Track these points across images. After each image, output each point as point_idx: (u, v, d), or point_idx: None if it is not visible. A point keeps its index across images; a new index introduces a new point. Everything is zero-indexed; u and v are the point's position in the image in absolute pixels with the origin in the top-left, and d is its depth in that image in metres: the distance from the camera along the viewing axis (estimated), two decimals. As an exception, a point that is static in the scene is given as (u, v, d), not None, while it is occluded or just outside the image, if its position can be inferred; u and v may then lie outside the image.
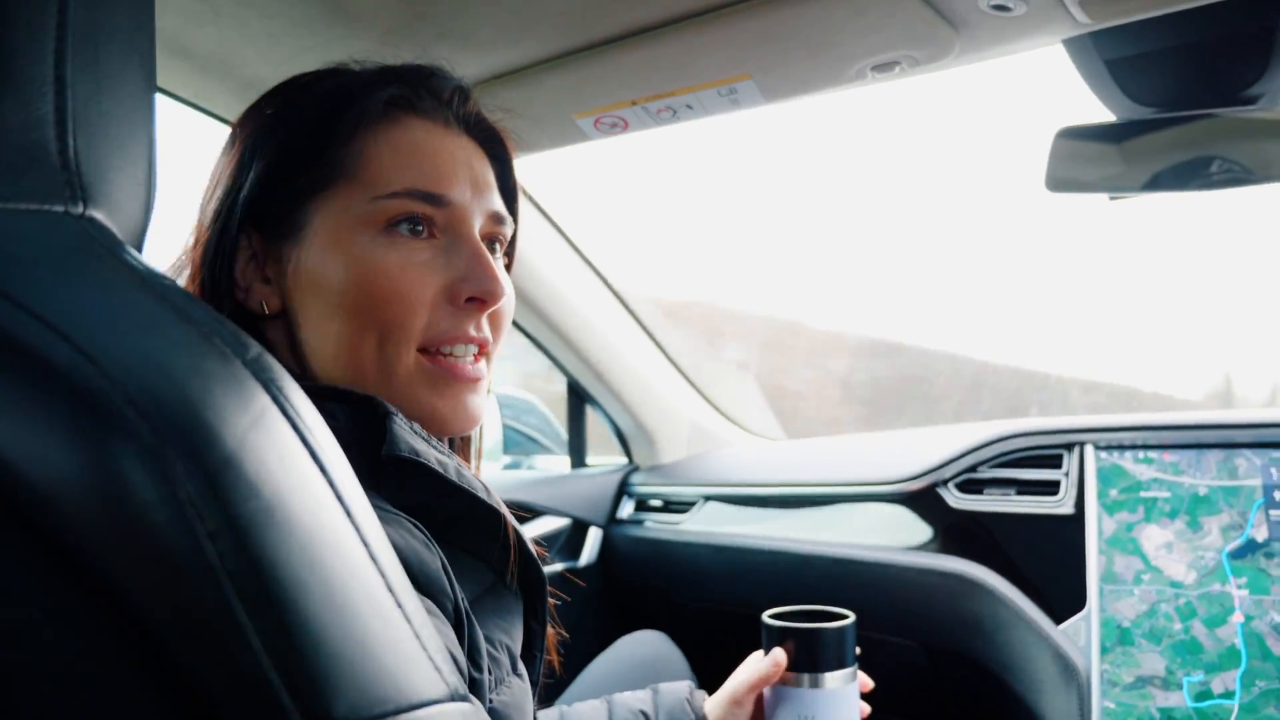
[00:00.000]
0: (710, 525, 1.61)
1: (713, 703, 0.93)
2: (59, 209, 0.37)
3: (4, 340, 0.30)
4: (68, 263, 0.34)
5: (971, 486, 1.31)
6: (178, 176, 0.70)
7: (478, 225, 0.70)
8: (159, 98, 0.48)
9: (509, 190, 0.79)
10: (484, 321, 0.70)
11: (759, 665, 0.89)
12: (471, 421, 0.70)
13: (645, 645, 1.47)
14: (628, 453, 1.85)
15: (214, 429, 0.31)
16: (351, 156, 0.67)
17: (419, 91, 0.71)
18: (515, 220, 0.78)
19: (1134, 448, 1.16)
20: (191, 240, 0.70)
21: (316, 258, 0.66)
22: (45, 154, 0.36)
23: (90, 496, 0.29)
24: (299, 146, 0.68)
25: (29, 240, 0.34)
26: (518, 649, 0.67)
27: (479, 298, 0.67)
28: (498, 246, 0.74)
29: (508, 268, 0.80)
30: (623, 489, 1.80)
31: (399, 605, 0.35)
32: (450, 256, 0.68)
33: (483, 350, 0.71)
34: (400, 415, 0.62)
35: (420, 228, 0.67)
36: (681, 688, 0.96)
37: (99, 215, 0.38)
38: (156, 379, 0.31)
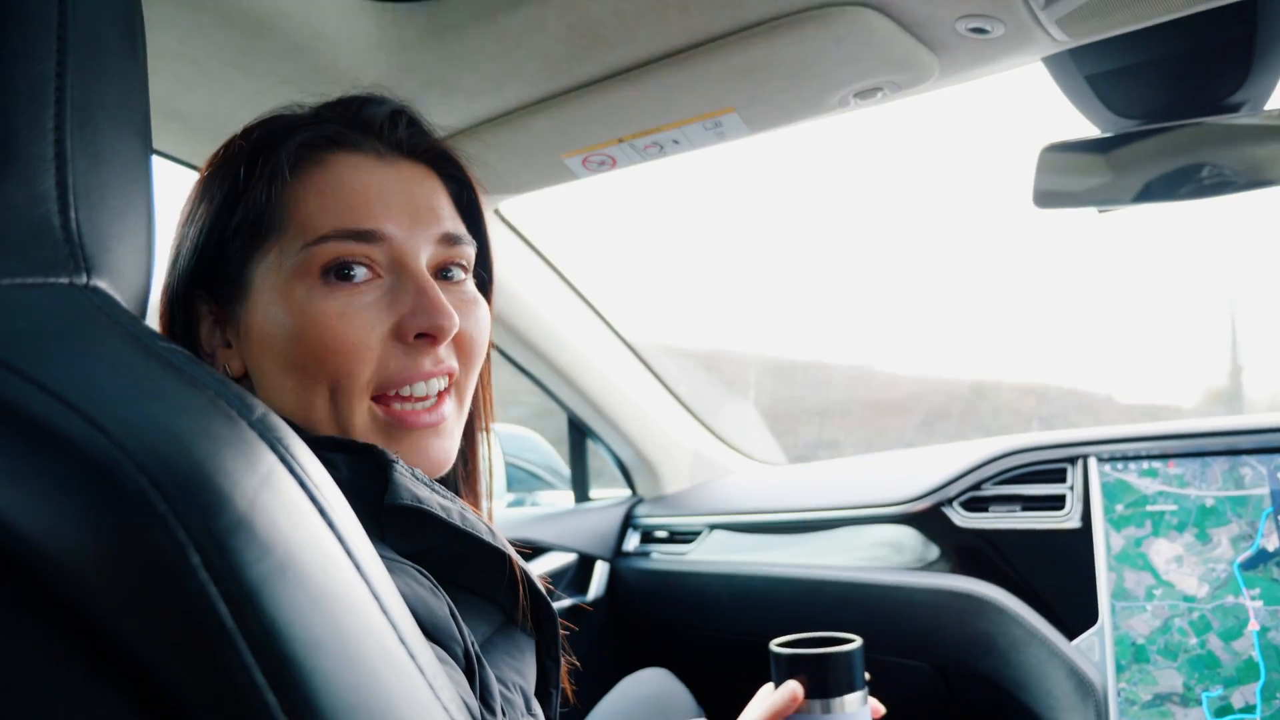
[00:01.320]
0: (717, 554, 1.60)
1: None
2: (64, 281, 0.37)
3: (16, 414, 0.31)
4: (74, 334, 0.35)
5: (976, 504, 1.31)
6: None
7: (424, 255, 0.66)
8: (155, 159, 0.49)
9: (468, 206, 0.75)
10: (444, 352, 0.66)
11: (774, 699, 0.87)
12: (435, 467, 0.67)
13: (651, 683, 1.46)
14: (631, 485, 1.85)
15: (224, 492, 0.31)
16: (279, 207, 0.64)
17: (345, 127, 0.68)
18: (481, 236, 0.75)
19: (1137, 458, 1.16)
20: (158, 310, 0.70)
21: (261, 316, 0.64)
22: (49, 228, 0.37)
23: (105, 564, 0.29)
24: (230, 204, 0.65)
25: (36, 314, 0.35)
26: (531, 688, 0.66)
27: (428, 333, 0.64)
28: (459, 271, 0.70)
29: (483, 287, 0.76)
30: (627, 521, 1.80)
31: (412, 657, 0.35)
32: (395, 294, 0.64)
33: (450, 383, 0.68)
34: (401, 462, 0.62)
35: (359, 269, 0.64)
36: None
37: (102, 284, 0.38)
38: (166, 446, 0.31)
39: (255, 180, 0.65)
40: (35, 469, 0.30)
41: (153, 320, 0.70)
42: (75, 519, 0.30)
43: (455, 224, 0.70)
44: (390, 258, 0.65)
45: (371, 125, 0.69)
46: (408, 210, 0.66)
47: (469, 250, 0.71)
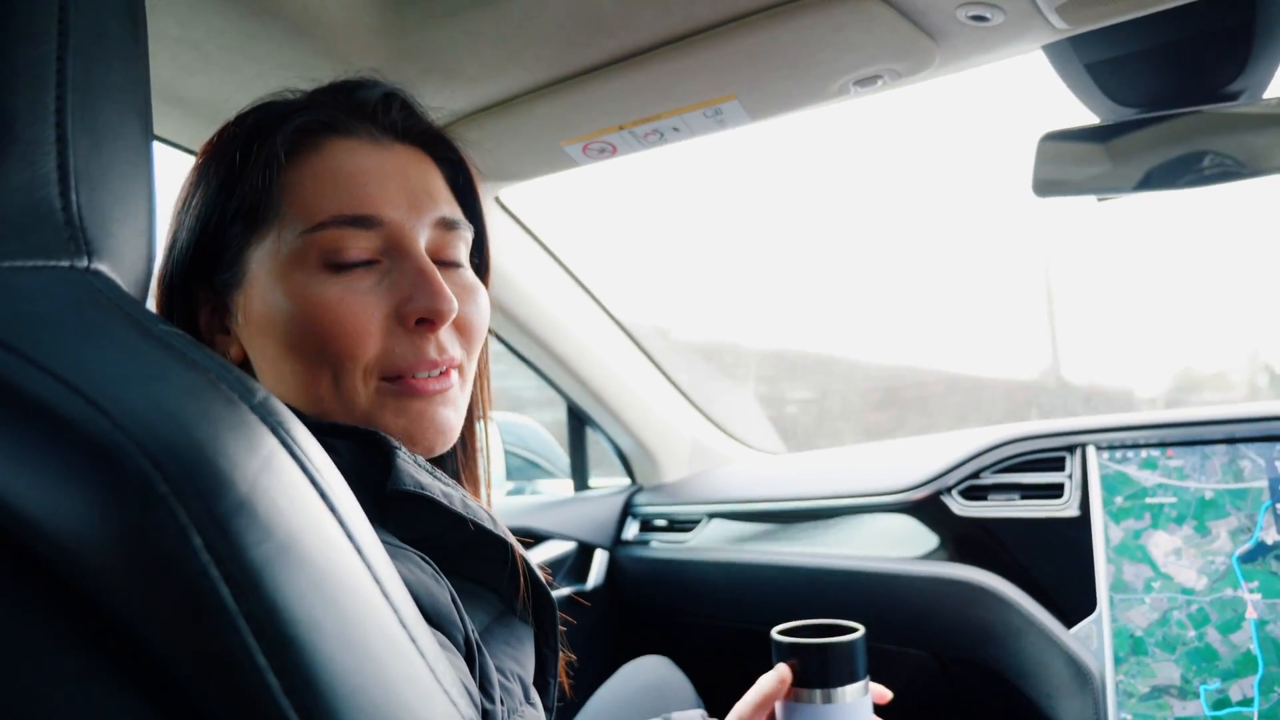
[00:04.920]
0: (716, 543, 1.61)
1: None
2: (65, 263, 0.37)
3: (17, 396, 0.31)
4: (75, 317, 0.35)
5: (975, 493, 1.31)
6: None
7: (423, 239, 0.66)
8: (156, 145, 0.49)
9: (464, 190, 0.74)
10: (447, 339, 0.66)
11: (762, 684, 0.87)
12: (440, 435, 0.66)
13: (650, 671, 1.46)
14: (630, 473, 1.85)
15: (226, 475, 0.31)
16: (276, 193, 0.64)
17: (339, 111, 0.68)
18: (478, 220, 0.74)
19: (1135, 447, 1.16)
20: (155, 297, 0.69)
21: (260, 302, 0.64)
22: (50, 211, 0.37)
23: (106, 545, 0.30)
24: (226, 191, 0.65)
25: (37, 297, 0.35)
26: (529, 677, 0.67)
27: (427, 317, 0.64)
28: (457, 255, 0.70)
29: (479, 270, 0.76)
30: (627, 510, 1.80)
31: (412, 640, 0.36)
32: (394, 279, 0.64)
33: (453, 368, 0.68)
34: (404, 449, 0.62)
35: (357, 254, 0.64)
36: (694, 716, 0.95)
37: (103, 267, 0.39)
38: (167, 427, 0.31)
39: (251, 166, 0.64)
40: (36, 451, 0.30)
41: (151, 305, 0.70)
42: (77, 501, 0.30)
43: (452, 208, 0.70)
44: (388, 242, 0.65)
45: (365, 109, 0.69)
46: (405, 194, 0.66)
47: (466, 234, 0.71)
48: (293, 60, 0.94)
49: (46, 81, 0.38)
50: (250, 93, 0.99)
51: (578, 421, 1.84)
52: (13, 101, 0.37)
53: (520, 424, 2.14)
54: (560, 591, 1.62)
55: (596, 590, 1.69)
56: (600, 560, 1.73)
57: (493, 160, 1.17)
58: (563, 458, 1.97)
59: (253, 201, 0.64)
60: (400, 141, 0.70)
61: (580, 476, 1.88)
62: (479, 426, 0.80)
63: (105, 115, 0.41)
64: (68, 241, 0.37)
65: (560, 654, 0.73)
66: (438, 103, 0.98)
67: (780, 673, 0.86)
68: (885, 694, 0.93)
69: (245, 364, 0.68)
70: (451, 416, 0.68)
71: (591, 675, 1.45)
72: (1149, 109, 0.99)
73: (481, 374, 0.78)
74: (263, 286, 0.64)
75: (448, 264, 0.69)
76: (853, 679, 0.86)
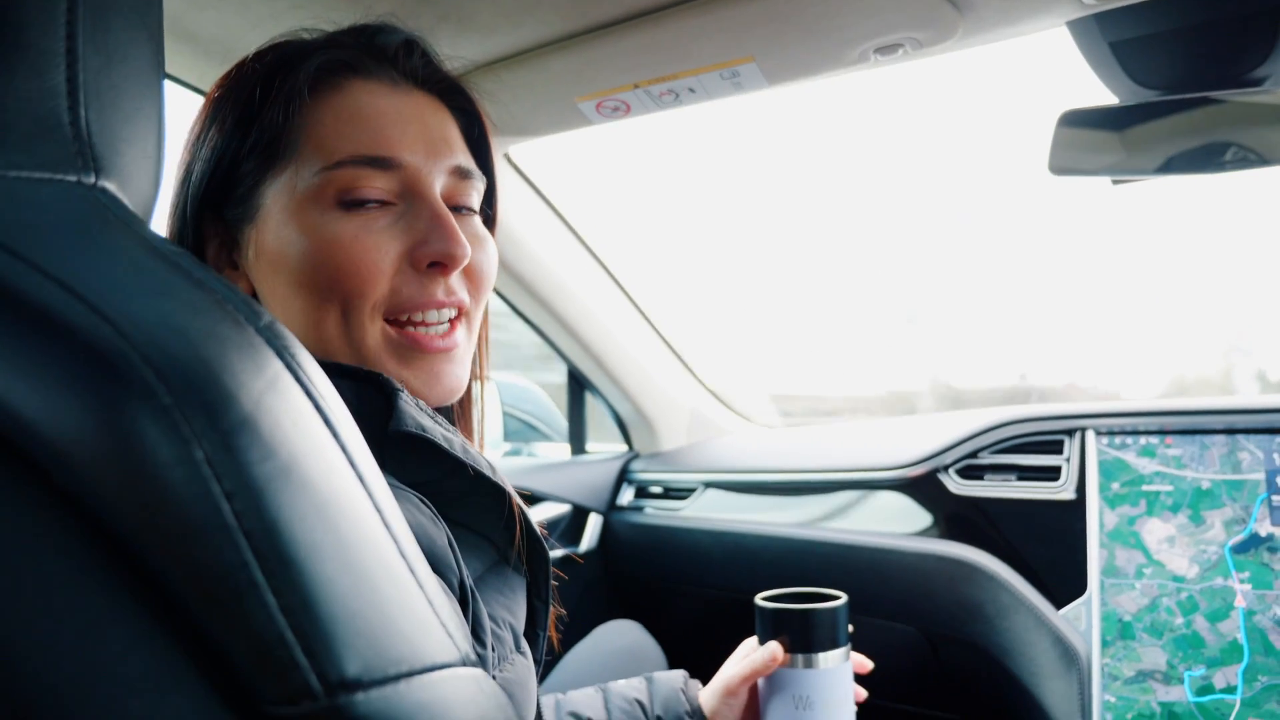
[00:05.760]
0: (710, 512, 1.61)
1: (706, 693, 0.93)
2: (72, 178, 0.37)
3: (21, 302, 0.30)
4: (82, 229, 0.34)
5: (972, 472, 1.31)
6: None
7: (439, 185, 0.67)
8: (165, 84, 0.48)
9: (478, 142, 0.75)
10: (456, 284, 0.67)
11: (753, 658, 0.88)
12: (446, 392, 0.67)
13: (622, 635, 1.48)
14: (628, 440, 1.86)
15: (230, 390, 0.31)
16: (295, 130, 0.64)
17: (361, 53, 0.68)
18: (489, 173, 0.74)
19: (1135, 433, 1.16)
20: (165, 231, 0.69)
21: (273, 237, 0.64)
22: (58, 124, 0.36)
23: (107, 455, 0.29)
24: (243, 127, 0.65)
25: (43, 207, 0.35)
26: (521, 627, 0.67)
27: (440, 261, 0.64)
28: (469, 204, 0.71)
29: (488, 222, 0.77)
30: (623, 476, 1.80)
31: (411, 571, 0.36)
32: (409, 221, 0.65)
33: (460, 314, 0.68)
34: (406, 391, 0.62)
35: (374, 195, 0.64)
36: (676, 677, 0.95)
37: (110, 186, 0.38)
38: (172, 341, 0.31)
39: (271, 102, 0.64)
40: (40, 357, 0.30)
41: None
42: (79, 408, 0.29)
43: (466, 158, 0.70)
44: (405, 185, 0.65)
45: (386, 53, 0.69)
46: (423, 139, 0.67)
47: (479, 185, 0.72)
48: (306, 0, 0.93)
49: None
50: (262, 32, 0.98)
51: (577, 385, 1.83)
52: (23, 9, 0.36)
53: (519, 386, 2.14)
54: (554, 553, 1.63)
55: (589, 554, 1.70)
56: (594, 524, 1.74)
57: (505, 114, 1.16)
58: (560, 421, 1.97)
59: (270, 137, 0.64)
60: (419, 88, 0.70)
61: (578, 440, 1.89)
62: (475, 389, 0.80)
63: (116, 34, 0.40)
64: (75, 156, 0.37)
65: (551, 608, 0.73)
66: (452, 51, 0.96)
67: (772, 649, 0.87)
68: (866, 664, 0.94)
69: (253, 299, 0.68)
70: (459, 372, 0.68)
71: (577, 634, 1.47)
72: (1170, 91, 0.98)
73: (481, 331, 0.78)
74: (276, 222, 0.65)
75: (461, 211, 0.70)
76: (833, 645, 0.87)
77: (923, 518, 1.35)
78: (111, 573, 0.30)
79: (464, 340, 0.69)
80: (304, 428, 0.33)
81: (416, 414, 0.60)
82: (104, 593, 0.30)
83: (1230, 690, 1.00)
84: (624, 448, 1.87)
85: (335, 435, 0.35)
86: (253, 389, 0.31)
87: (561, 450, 1.96)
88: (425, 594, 0.35)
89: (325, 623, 0.30)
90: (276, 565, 0.30)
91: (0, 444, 0.30)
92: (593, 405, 1.87)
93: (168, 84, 1.07)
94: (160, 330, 0.31)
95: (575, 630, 1.46)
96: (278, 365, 0.34)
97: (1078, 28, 0.96)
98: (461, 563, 0.57)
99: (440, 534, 0.56)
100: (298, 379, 0.34)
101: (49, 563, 0.30)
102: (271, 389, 0.32)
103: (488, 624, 0.59)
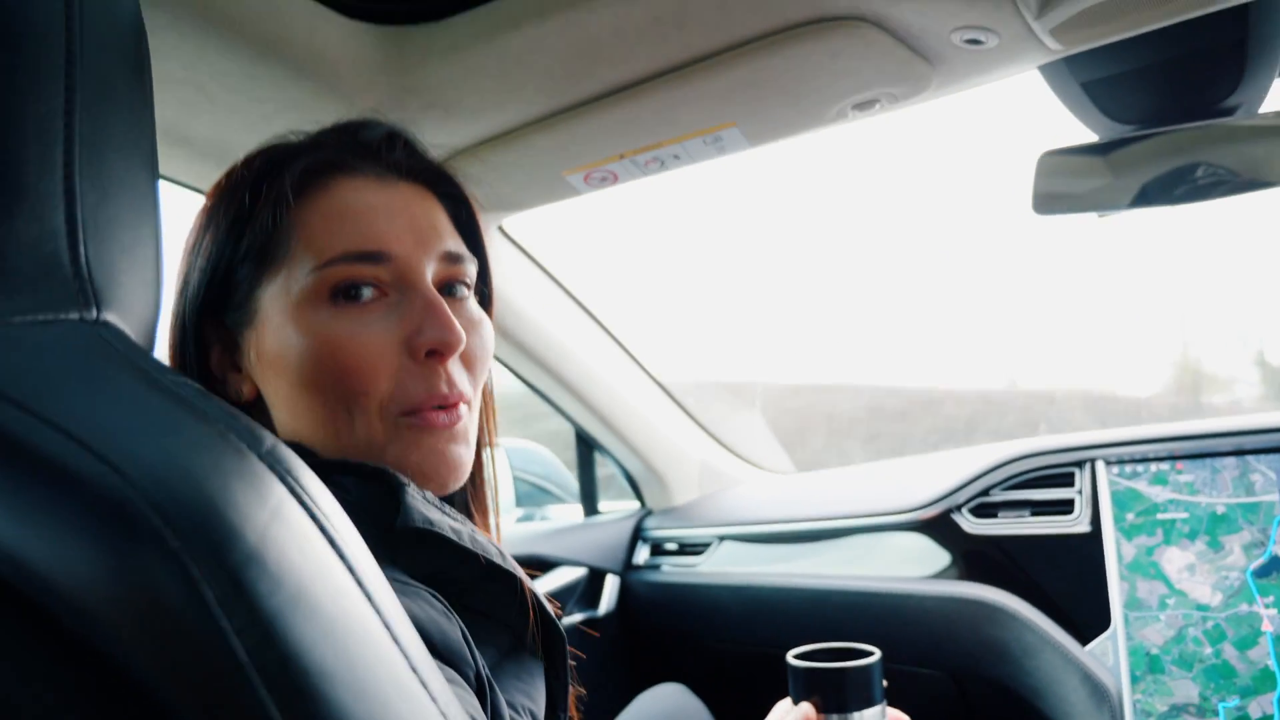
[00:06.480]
0: (727, 566, 1.60)
1: None
2: (74, 316, 0.38)
3: (28, 452, 0.31)
4: (85, 371, 0.35)
5: (985, 510, 1.30)
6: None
7: (429, 272, 0.68)
8: (162, 185, 0.49)
9: (466, 225, 0.76)
10: (455, 370, 0.67)
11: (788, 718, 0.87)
12: (452, 471, 0.67)
13: (667, 699, 1.46)
14: (640, 497, 1.85)
15: (236, 527, 0.31)
16: (285, 232, 0.65)
17: (344, 151, 0.69)
18: (481, 255, 0.75)
19: (1145, 460, 1.16)
20: (167, 338, 0.71)
21: (273, 339, 0.65)
22: (59, 264, 0.38)
23: (118, 602, 0.30)
24: (236, 232, 0.67)
25: (47, 351, 0.35)
26: (540, 711, 0.67)
27: (436, 349, 0.65)
28: (462, 288, 0.71)
29: (484, 303, 0.77)
30: (637, 534, 1.80)
31: (423, 684, 0.36)
32: (403, 311, 0.65)
33: (462, 402, 0.69)
34: (413, 485, 0.62)
35: (367, 289, 0.65)
36: None
37: (112, 318, 0.39)
38: (177, 482, 0.31)
39: (260, 206, 0.66)
40: (47, 507, 0.31)
41: (162, 347, 0.71)
42: (87, 557, 0.30)
43: (456, 242, 0.71)
44: (396, 276, 0.66)
45: (369, 148, 0.71)
46: (411, 230, 0.67)
47: (470, 268, 0.72)
48: (297, 99, 0.96)
49: (55, 135, 0.39)
50: (255, 132, 1.01)
51: (585, 446, 1.84)
52: (22, 156, 0.38)
53: (527, 449, 2.13)
54: (571, 618, 1.62)
55: (608, 616, 1.68)
56: (611, 586, 1.72)
57: (495, 191, 1.18)
58: (571, 482, 1.97)
59: (263, 241, 0.66)
60: (404, 179, 0.71)
61: (589, 501, 1.88)
62: (486, 456, 0.81)
63: (113, 166, 0.42)
64: (77, 294, 0.38)
65: (570, 688, 0.73)
66: (440, 138, 0.99)
67: (805, 711, 0.86)
68: (900, 717, 0.93)
69: (258, 401, 0.69)
70: (463, 452, 0.69)
71: (607, 702, 1.45)
72: (1146, 126, 0.99)
73: (486, 404, 0.79)
74: (274, 324, 0.65)
75: (453, 297, 0.71)
76: (869, 703, 0.85)
77: (940, 558, 1.34)
78: (126, 717, 0.31)
79: (466, 415, 0.70)
80: (309, 553, 0.34)
81: (424, 508, 0.61)
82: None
83: (1267, 720, 0.99)
84: (636, 505, 1.87)
85: (341, 555, 0.35)
86: (258, 521, 0.32)
87: (574, 511, 1.95)
88: (438, 706, 0.36)
89: (342, 750, 0.30)
90: (291, 698, 0.30)
91: (8, 593, 0.31)
92: (602, 463, 1.87)
93: (165, 185, 1.09)
94: (165, 472, 0.31)
95: (603, 695, 1.45)
96: (281, 491, 0.34)
97: (1049, 71, 0.98)
98: (477, 653, 0.57)
99: (454, 627, 0.56)
100: (301, 502, 0.35)
101: (60, 713, 0.30)
102: (276, 518, 0.33)
103: (506, 713, 0.59)
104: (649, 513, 1.83)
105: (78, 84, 0.40)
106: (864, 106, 0.97)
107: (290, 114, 0.97)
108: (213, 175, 1.09)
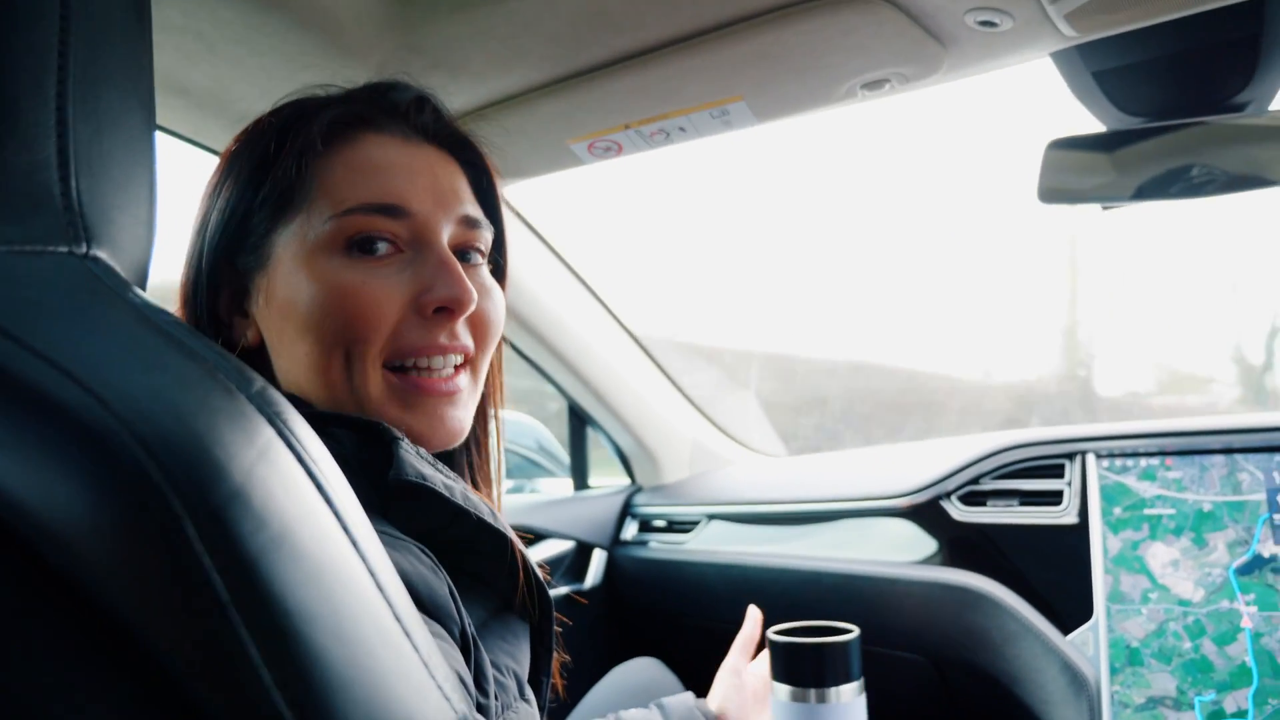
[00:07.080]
0: (714, 544, 1.60)
1: (713, 692, 0.96)
2: (63, 249, 0.37)
3: (11, 381, 0.31)
4: (73, 303, 0.35)
5: (974, 499, 1.31)
6: (178, 212, 0.72)
7: (446, 234, 0.69)
8: (158, 135, 0.49)
9: (486, 193, 0.77)
10: (461, 330, 0.68)
11: (742, 632, 0.95)
12: (450, 436, 0.68)
13: (641, 673, 1.47)
14: (630, 473, 1.85)
15: (220, 464, 0.31)
16: (308, 180, 0.66)
17: (374, 108, 0.70)
18: (498, 224, 0.76)
19: (1135, 455, 1.16)
20: (180, 279, 0.71)
21: (283, 284, 0.66)
22: (49, 196, 0.37)
23: (99, 535, 0.29)
24: (258, 178, 0.67)
25: (34, 282, 0.35)
26: (525, 673, 0.67)
27: (446, 306, 0.66)
28: (476, 255, 0.73)
29: (497, 273, 0.78)
30: (626, 510, 1.80)
31: (406, 634, 0.35)
32: (416, 268, 0.66)
33: (466, 360, 0.70)
34: (406, 440, 0.62)
35: (383, 243, 0.66)
36: (687, 697, 0.96)
37: (102, 254, 0.38)
38: (163, 416, 0.31)
39: (286, 153, 0.66)
40: (31, 437, 0.30)
41: (174, 289, 0.71)
42: (70, 488, 0.29)
43: (474, 208, 0.72)
44: (413, 233, 0.67)
45: (398, 109, 0.72)
46: (432, 190, 0.68)
47: (487, 235, 0.73)
48: (298, 52, 0.94)
49: (48, 66, 0.38)
50: (254, 84, 1.00)
51: (578, 420, 1.83)
52: (13, 85, 0.37)
53: (520, 421, 2.13)
54: (558, 590, 1.62)
55: (594, 590, 1.69)
56: (598, 560, 1.73)
57: (498, 157, 1.16)
58: (562, 456, 1.97)
59: (284, 187, 0.66)
60: (429, 142, 0.72)
61: (580, 476, 1.88)
62: (492, 427, 0.81)
63: (107, 102, 0.41)
64: (67, 227, 0.37)
65: (555, 654, 0.73)
66: (443, 97, 0.98)
67: (753, 614, 0.89)
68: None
69: (261, 348, 0.70)
70: (461, 416, 0.69)
71: (587, 675, 1.45)
72: (1155, 118, 0.99)
73: (495, 372, 0.79)
74: (286, 269, 0.66)
75: (468, 262, 0.71)
76: (848, 679, 0.86)
77: (927, 545, 1.34)
78: (106, 651, 0.30)
79: (467, 386, 0.70)
80: (296, 495, 0.33)
81: (417, 462, 0.60)
82: (99, 672, 0.30)
83: (1241, 715, 0.99)
84: (626, 481, 1.87)
85: (328, 500, 0.35)
86: (244, 460, 0.32)
87: (564, 485, 1.96)
88: (421, 657, 0.35)
89: (321, 694, 0.30)
90: (271, 639, 0.30)
91: None
92: (594, 439, 1.86)
93: (161, 136, 1.08)
94: (151, 406, 0.31)
95: (586, 667, 1.45)
96: (269, 433, 0.34)
97: (1061, 59, 0.97)
98: (463, 611, 0.57)
99: (441, 583, 0.55)
100: (289, 445, 0.34)
101: (42, 642, 0.30)
102: (263, 458, 0.33)
103: (490, 672, 0.59)
104: (639, 489, 1.83)
105: (73, 14, 0.40)
106: (874, 86, 0.97)
107: (291, 67, 0.96)
108: (210, 128, 1.09)
